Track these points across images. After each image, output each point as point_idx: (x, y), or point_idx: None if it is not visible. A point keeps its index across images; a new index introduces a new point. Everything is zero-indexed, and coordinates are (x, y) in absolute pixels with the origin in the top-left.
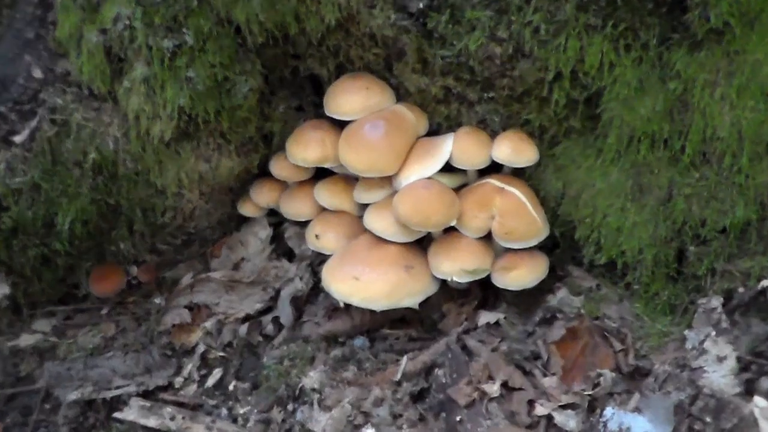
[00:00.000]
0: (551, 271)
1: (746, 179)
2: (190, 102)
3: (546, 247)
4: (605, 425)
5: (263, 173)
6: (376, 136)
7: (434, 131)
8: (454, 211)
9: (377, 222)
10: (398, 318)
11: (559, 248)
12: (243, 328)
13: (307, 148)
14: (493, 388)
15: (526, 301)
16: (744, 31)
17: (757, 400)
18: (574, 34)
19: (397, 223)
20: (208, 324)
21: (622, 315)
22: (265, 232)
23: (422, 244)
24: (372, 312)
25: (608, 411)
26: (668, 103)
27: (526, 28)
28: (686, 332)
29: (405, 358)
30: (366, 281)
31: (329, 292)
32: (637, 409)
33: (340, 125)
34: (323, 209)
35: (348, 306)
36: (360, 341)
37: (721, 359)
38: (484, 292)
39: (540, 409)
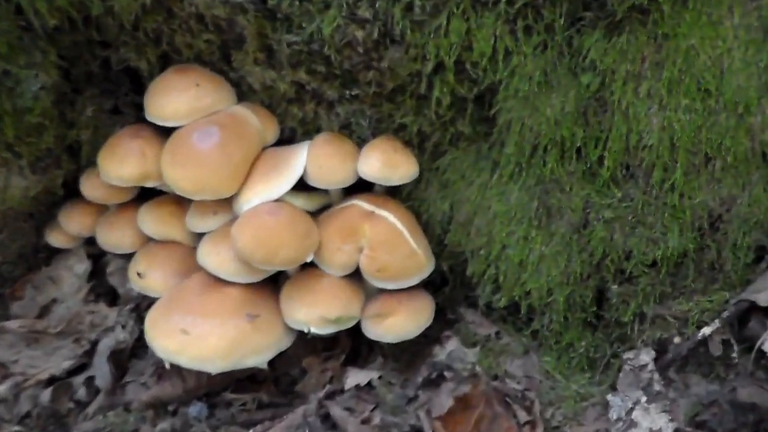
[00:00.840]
0: (439, 314)
1: (681, 199)
2: None
3: (432, 284)
4: None
5: (74, 193)
6: (207, 146)
7: (287, 139)
8: (309, 244)
9: (212, 257)
10: (245, 377)
11: (449, 286)
12: (46, 394)
13: (123, 162)
14: None
15: (408, 351)
16: (675, 9)
17: None
18: (458, 12)
19: (238, 259)
20: (2, 389)
21: (528, 373)
22: (82, 266)
23: (276, 283)
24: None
25: None
26: (581, 102)
27: (395, 6)
28: (609, 397)
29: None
30: (197, 336)
31: (152, 349)
32: None
33: (167, 132)
34: (149, 239)
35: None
36: (196, 409)
37: None
38: (355, 342)
39: None
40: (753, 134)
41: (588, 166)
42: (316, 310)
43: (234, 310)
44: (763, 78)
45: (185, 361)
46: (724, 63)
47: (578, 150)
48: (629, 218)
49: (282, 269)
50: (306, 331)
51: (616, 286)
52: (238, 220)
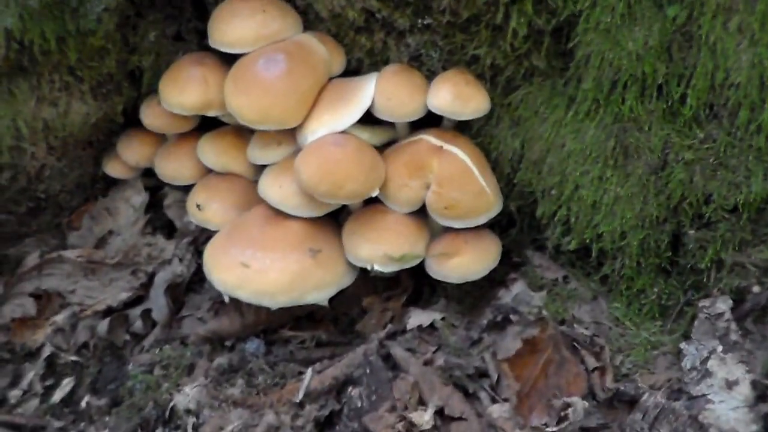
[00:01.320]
0: (505, 258)
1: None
2: (21, 24)
3: (499, 225)
4: None
5: (133, 122)
6: (273, 74)
7: (353, 71)
8: (376, 177)
9: (274, 190)
10: (304, 315)
11: (516, 228)
12: (104, 325)
13: (184, 90)
14: (425, 418)
15: (472, 295)
16: None
17: None
18: None
19: (301, 192)
20: (59, 318)
21: (597, 318)
22: (139, 198)
23: (338, 219)
24: (269, 308)
25: None
26: (665, 36)
27: None
28: (683, 345)
29: (310, 370)
30: (258, 269)
31: (211, 282)
32: None
33: (230, 60)
34: (209, 171)
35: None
36: (254, 345)
37: (730, 384)
38: (416, 283)
39: None
40: None
41: (669, 104)
42: (380, 247)
43: (296, 244)
44: None
45: (245, 296)
46: None
47: (660, 87)
48: (711, 160)
49: (346, 203)
50: (369, 268)
51: (693, 231)
52: (303, 151)
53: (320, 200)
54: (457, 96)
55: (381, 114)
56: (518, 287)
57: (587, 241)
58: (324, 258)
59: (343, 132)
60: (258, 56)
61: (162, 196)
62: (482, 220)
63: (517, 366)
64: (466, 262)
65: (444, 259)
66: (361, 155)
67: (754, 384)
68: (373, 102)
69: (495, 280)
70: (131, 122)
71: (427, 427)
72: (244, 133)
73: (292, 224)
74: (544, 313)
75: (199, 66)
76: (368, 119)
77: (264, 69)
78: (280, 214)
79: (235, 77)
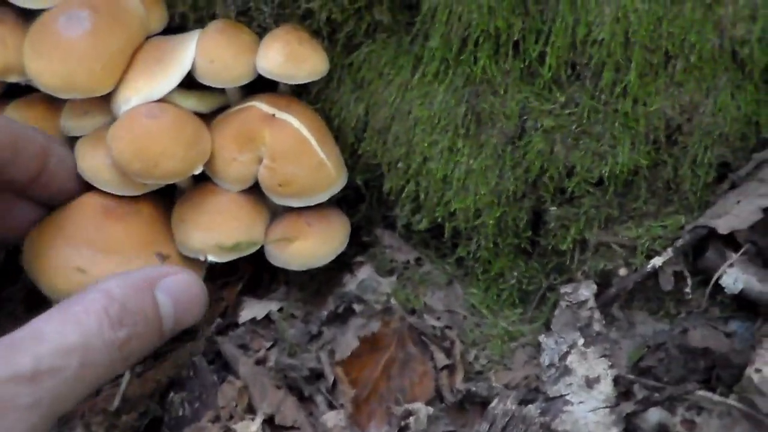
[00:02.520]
0: (353, 236)
1: (634, 105)
2: None
3: (346, 201)
4: None
5: None
6: (75, 34)
7: (176, 27)
8: (198, 153)
9: (86, 162)
10: None
11: (365, 203)
12: None
13: None
14: (251, 429)
15: (317, 280)
16: None
17: None
18: None
19: (115, 167)
20: None
21: (451, 307)
22: None
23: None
24: None
25: None
26: None
27: None
28: (541, 338)
29: (128, 372)
30: (97, 276)
31: (38, 286)
32: None
33: (33, 18)
34: None
35: None
36: None
37: (591, 383)
38: (256, 267)
39: None
40: (722, 28)
41: (526, 64)
42: (212, 235)
43: (141, 246)
44: None
45: None
46: None
47: (515, 44)
48: (573, 127)
49: (166, 183)
50: (202, 259)
51: (554, 208)
52: (115, 124)
53: (135, 179)
54: (289, 57)
55: (203, 79)
56: (365, 272)
57: (439, 219)
58: (174, 263)
59: (161, 100)
60: (59, 13)
61: None
62: (323, 197)
63: (355, 367)
64: (309, 247)
65: (284, 244)
66: (180, 127)
67: (617, 380)
68: (194, 65)
69: (342, 261)
70: None
71: None
72: (57, 101)
73: (134, 220)
74: (393, 301)
75: None
76: (195, 83)
77: (65, 28)
78: (119, 203)
79: (34, 38)
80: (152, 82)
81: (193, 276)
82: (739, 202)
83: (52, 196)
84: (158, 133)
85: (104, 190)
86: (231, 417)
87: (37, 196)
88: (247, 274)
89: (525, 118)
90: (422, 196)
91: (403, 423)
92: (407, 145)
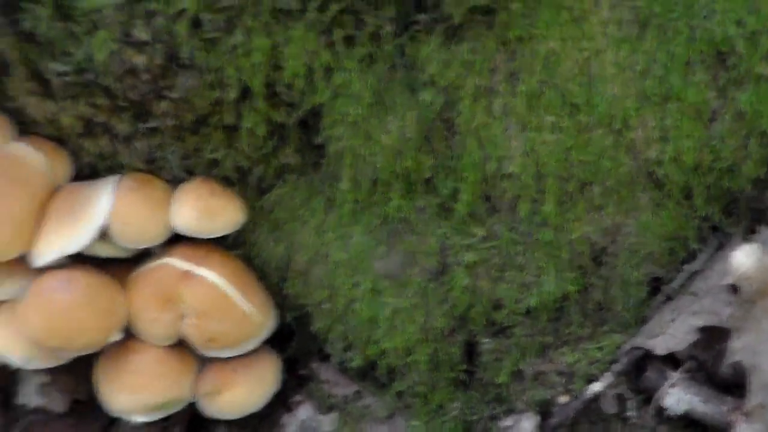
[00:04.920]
0: (290, 369)
1: (556, 234)
2: None
3: (279, 334)
4: None
5: None
6: None
7: (88, 175)
8: (114, 321)
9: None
10: None
11: (295, 339)
12: None
13: None
14: None
15: (255, 415)
16: (527, 5)
17: None
18: (257, 26)
19: (32, 342)
20: None
21: None
22: None
23: None
24: None
25: None
26: (424, 125)
27: (178, 23)
28: None
29: None
30: None
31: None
32: None
33: None
34: None
35: None
36: None
37: None
38: (192, 412)
39: None
40: (635, 152)
41: (441, 200)
42: (138, 397)
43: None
44: (641, 84)
45: None
46: (593, 69)
47: (427, 181)
48: (495, 260)
49: (84, 353)
50: (130, 422)
51: (487, 340)
52: (26, 297)
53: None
54: (203, 212)
55: (120, 242)
56: (304, 411)
57: (372, 357)
58: None
59: (74, 260)
60: None
61: None
62: (252, 345)
63: None
64: (239, 396)
65: (214, 396)
66: (93, 298)
67: None
68: (109, 225)
69: (279, 396)
70: None
71: None
72: None
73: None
74: None
75: None
76: None
77: None
78: None
79: None
80: (65, 237)
81: None
82: (673, 320)
83: None
84: (71, 308)
85: (23, 367)
86: None
87: None
88: (185, 416)
89: (446, 254)
90: (351, 336)
91: None
92: (330, 288)
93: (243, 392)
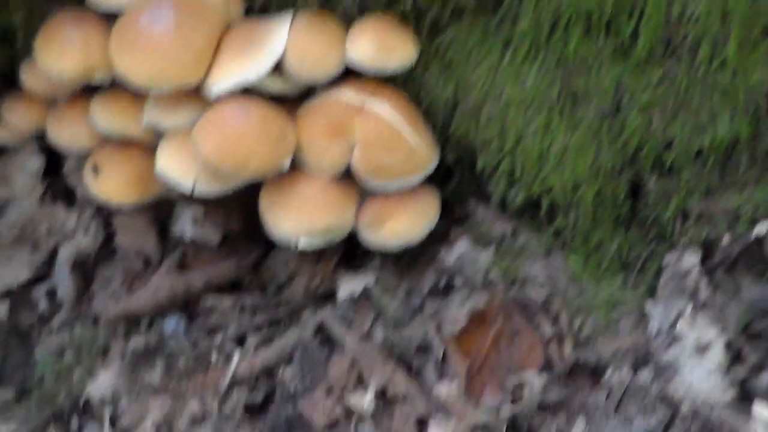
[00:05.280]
0: (445, 209)
1: (733, 78)
2: None
3: (437, 175)
4: None
5: (15, 83)
6: (160, 31)
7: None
8: (285, 148)
9: (172, 165)
10: (228, 283)
11: (455, 178)
12: (3, 307)
13: (63, 54)
14: (365, 401)
15: (409, 253)
16: None
17: (758, 410)
18: None
19: (203, 168)
20: None
21: (552, 276)
22: (35, 163)
23: None
24: (192, 275)
25: None
26: None
27: None
28: (648, 307)
29: (237, 353)
30: None
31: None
32: None
33: (115, 18)
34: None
35: (158, 268)
36: (172, 323)
37: (702, 349)
38: (348, 241)
39: None
40: None
41: (620, 42)
42: (303, 222)
43: None
44: None
45: None
46: None
47: (608, 24)
48: (670, 102)
49: (255, 180)
50: (294, 245)
51: (654, 180)
52: (201, 122)
53: (225, 178)
54: (380, 47)
55: (293, 76)
56: (462, 245)
57: (535, 195)
58: None
59: (247, 92)
60: (141, 11)
61: (61, 160)
62: (416, 180)
63: (465, 340)
64: (401, 227)
65: (377, 226)
66: (268, 124)
67: (728, 345)
68: (283, 60)
69: (435, 233)
70: (12, 83)
71: (369, 410)
72: (141, 94)
73: None
74: (493, 275)
75: (78, 26)
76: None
77: (148, 25)
78: None
79: (119, 37)
80: (244, 65)
81: None
82: None
83: None
84: (246, 131)
85: (187, 191)
86: (343, 389)
87: None
88: (340, 248)
89: (621, 94)
90: (518, 172)
91: (517, 393)
92: (500, 125)
93: (405, 223)
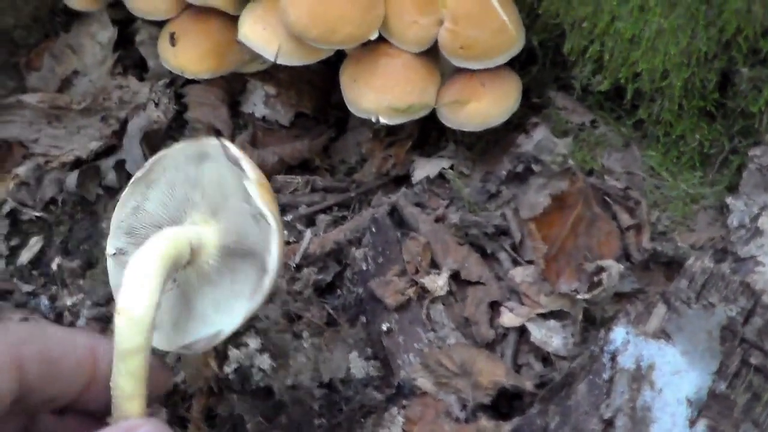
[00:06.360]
0: (523, 98)
1: None
2: None
3: (517, 60)
4: (612, 357)
5: None
6: None
7: None
8: (374, 17)
9: (256, 32)
10: (297, 164)
11: (537, 64)
12: (72, 177)
13: None
14: (438, 283)
15: (485, 140)
16: None
17: None
18: None
19: (288, 35)
20: (22, 170)
21: (630, 168)
22: (106, 33)
23: None
24: (264, 151)
25: (618, 334)
26: None
27: None
28: (729, 200)
29: (309, 232)
30: None
31: None
32: (664, 334)
33: None
34: (188, 5)
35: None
36: None
37: None
38: (423, 126)
39: (509, 317)
40: None
41: None
42: (384, 97)
43: None
44: None
45: None
46: None
47: None
48: None
49: (342, 48)
50: (374, 120)
51: (746, 69)
52: None
53: (311, 45)
54: None
55: None
56: (540, 133)
57: (622, 80)
58: None
59: None
60: None
61: (133, 31)
62: (503, 59)
63: (543, 224)
64: (483, 108)
65: (459, 106)
66: None
67: None
68: None
69: (510, 122)
70: None
71: (442, 292)
72: None
73: None
74: (570, 162)
75: None
76: None
77: None
78: None
79: None
80: None
81: (158, 426)
82: None
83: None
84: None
85: (270, 59)
86: (416, 271)
87: (88, 408)
88: (415, 132)
89: None
90: (606, 56)
91: (594, 279)
92: (594, 5)
93: (488, 104)
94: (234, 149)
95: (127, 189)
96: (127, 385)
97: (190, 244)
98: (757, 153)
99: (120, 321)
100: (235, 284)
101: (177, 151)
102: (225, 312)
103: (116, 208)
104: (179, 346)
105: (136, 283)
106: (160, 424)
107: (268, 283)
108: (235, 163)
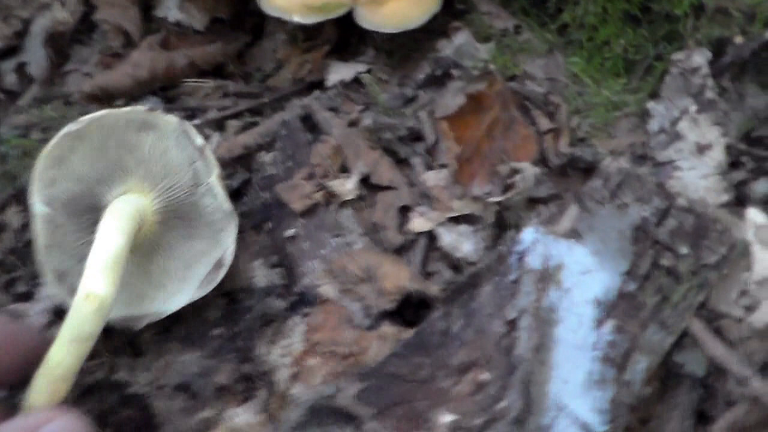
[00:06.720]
0: (445, 4)
1: None
2: None
3: None
4: (520, 258)
5: None
6: None
7: None
8: None
9: None
10: (211, 69)
11: None
12: None
13: None
14: (347, 186)
15: (405, 47)
16: None
17: (752, 213)
18: None
19: None
20: None
21: (552, 74)
22: None
23: None
24: (174, 54)
25: (527, 234)
26: None
27: None
28: (650, 104)
29: (216, 135)
30: None
31: None
32: (575, 233)
33: None
34: None
35: (135, 49)
36: (149, 104)
37: (702, 149)
38: (343, 33)
39: (419, 222)
40: None
41: None
42: None
43: None
44: None
45: None
46: None
47: None
48: None
49: None
50: (287, 19)
51: None
52: None
53: None
54: None
55: None
56: (462, 37)
57: None
58: None
59: None
60: None
61: None
62: None
63: (458, 126)
64: (402, 8)
65: (376, 5)
66: None
67: (729, 149)
68: None
69: (433, 30)
70: None
71: (351, 196)
72: None
73: None
74: (492, 67)
75: None
76: None
77: None
78: None
79: None
80: None
81: (73, 420)
82: None
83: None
84: None
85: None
86: (325, 175)
87: None
88: (333, 38)
89: None
90: None
91: (508, 181)
92: None
93: (407, 4)
94: (198, 138)
95: (56, 138)
96: (65, 369)
97: (139, 218)
98: (680, 57)
99: (88, 306)
100: (178, 265)
101: (120, 114)
102: (171, 293)
103: (41, 156)
104: (121, 317)
105: (105, 266)
106: (75, 418)
107: (222, 275)
108: (199, 151)
